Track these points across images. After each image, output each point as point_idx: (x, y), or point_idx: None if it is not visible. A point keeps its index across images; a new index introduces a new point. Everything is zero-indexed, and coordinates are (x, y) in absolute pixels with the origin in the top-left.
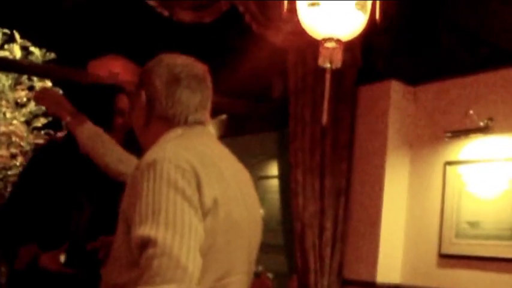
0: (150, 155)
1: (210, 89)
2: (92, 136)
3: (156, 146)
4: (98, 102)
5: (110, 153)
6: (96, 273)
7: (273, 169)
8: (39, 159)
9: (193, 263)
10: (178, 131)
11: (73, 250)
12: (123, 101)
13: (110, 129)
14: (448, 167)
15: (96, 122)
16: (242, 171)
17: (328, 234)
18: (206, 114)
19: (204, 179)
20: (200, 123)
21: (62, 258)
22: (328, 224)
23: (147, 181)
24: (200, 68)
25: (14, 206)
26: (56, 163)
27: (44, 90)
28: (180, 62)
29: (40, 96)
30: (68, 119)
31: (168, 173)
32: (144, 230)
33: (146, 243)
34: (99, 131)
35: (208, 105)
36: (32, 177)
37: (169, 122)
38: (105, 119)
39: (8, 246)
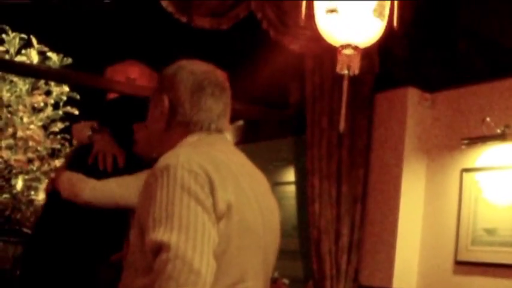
0: (163, 160)
1: (230, 96)
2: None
3: (170, 152)
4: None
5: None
6: None
7: (290, 175)
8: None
9: (206, 267)
10: (195, 137)
11: None
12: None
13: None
14: (464, 174)
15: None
16: (259, 177)
17: (344, 240)
18: (226, 122)
19: (217, 184)
20: (220, 130)
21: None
22: (345, 230)
23: (161, 186)
24: (221, 75)
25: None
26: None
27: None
28: (203, 69)
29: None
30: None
31: (181, 178)
32: (158, 235)
33: (160, 247)
34: None
35: (229, 113)
36: None
37: (190, 129)
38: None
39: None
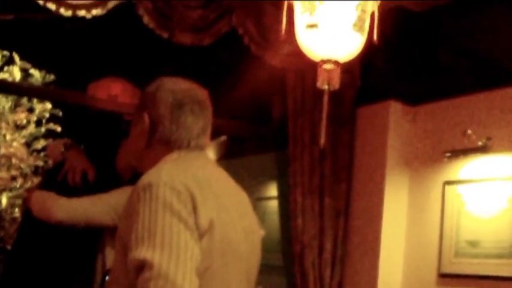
0: (145, 178)
1: (211, 114)
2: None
3: (152, 169)
4: (108, 128)
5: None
6: None
7: (272, 190)
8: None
9: (189, 285)
10: (175, 154)
11: None
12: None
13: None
14: (447, 187)
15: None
16: (240, 193)
17: (327, 254)
18: (206, 139)
19: (199, 201)
20: (200, 148)
21: None
22: (328, 245)
23: (143, 204)
24: (202, 93)
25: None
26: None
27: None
28: (183, 87)
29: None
30: None
31: (163, 196)
32: (140, 253)
33: (142, 265)
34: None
35: (209, 130)
36: None
37: (170, 146)
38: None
39: None
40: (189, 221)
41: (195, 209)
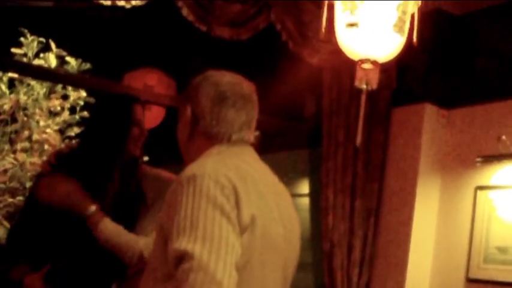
0: (190, 170)
1: (256, 108)
2: (113, 233)
3: (197, 161)
4: (116, 114)
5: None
6: None
7: (304, 187)
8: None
9: (228, 279)
10: (221, 147)
11: (54, 270)
12: (139, 112)
13: (127, 140)
14: (478, 192)
15: (114, 133)
16: (282, 190)
17: (356, 254)
18: (250, 134)
19: (243, 196)
20: (243, 142)
21: (44, 279)
22: (357, 244)
23: (186, 195)
24: (247, 87)
25: (22, 225)
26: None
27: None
28: (228, 80)
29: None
30: (92, 210)
31: (207, 188)
32: (182, 244)
33: (183, 256)
34: (119, 227)
35: (253, 125)
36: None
37: (212, 139)
38: (122, 130)
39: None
40: (231, 215)
41: (237, 203)
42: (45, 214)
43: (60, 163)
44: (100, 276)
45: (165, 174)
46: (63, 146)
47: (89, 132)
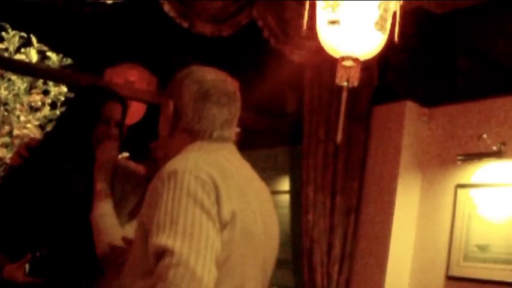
0: (171, 165)
1: (239, 106)
2: (104, 215)
3: (178, 157)
4: (82, 107)
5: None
6: (61, 281)
7: (284, 184)
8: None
9: (208, 274)
10: (202, 144)
11: (37, 259)
12: (112, 109)
13: (89, 137)
14: (459, 190)
15: (78, 127)
16: (262, 187)
17: (336, 251)
18: (231, 131)
19: (223, 192)
20: (223, 139)
21: (26, 268)
22: (337, 242)
23: (167, 190)
24: (231, 84)
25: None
26: (31, 169)
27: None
28: (212, 77)
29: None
30: (99, 187)
31: (188, 184)
32: (161, 239)
33: (163, 252)
34: (113, 215)
35: (235, 122)
36: (10, 183)
37: (194, 135)
38: (86, 125)
39: None
40: (211, 211)
41: (218, 200)
42: (21, 203)
43: (31, 156)
44: (83, 263)
45: (137, 169)
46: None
47: (57, 124)
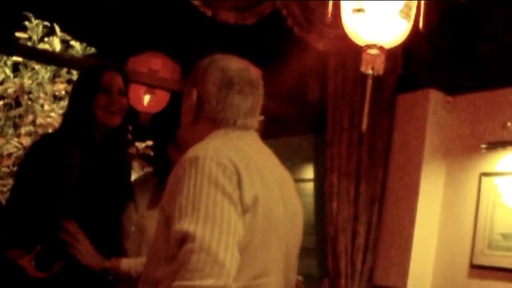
0: (192, 152)
1: (262, 94)
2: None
3: (199, 144)
4: (80, 81)
5: None
6: (69, 276)
7: (308, 172)
8: (31, 156)
9: (230, 259)
10: (225, 131)
11: (43, 253)
12: (110, 77)
13: (90, 106)
14: (483, 178)
15: (80, 100)
16: (285, 174)
17: (360, 239)
18: (254, 120)
19: (245, 177)
20: (247, 127)
21: (33, 262)
22: (361, 230)
23: (189, 177)
24: (254, 73)
25: (14, 206)
26: (47, 159)
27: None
28: (235, 65)
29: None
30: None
31: (209, 170)
32: (184, 225)
33: (185, 238)
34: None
35: (258, 110)
36: (26, 175)
37: (217, 124)
38: (86, 97)
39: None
40: (233, 196)
41: (240, 184)
42: (34, 194)
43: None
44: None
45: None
46: None
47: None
